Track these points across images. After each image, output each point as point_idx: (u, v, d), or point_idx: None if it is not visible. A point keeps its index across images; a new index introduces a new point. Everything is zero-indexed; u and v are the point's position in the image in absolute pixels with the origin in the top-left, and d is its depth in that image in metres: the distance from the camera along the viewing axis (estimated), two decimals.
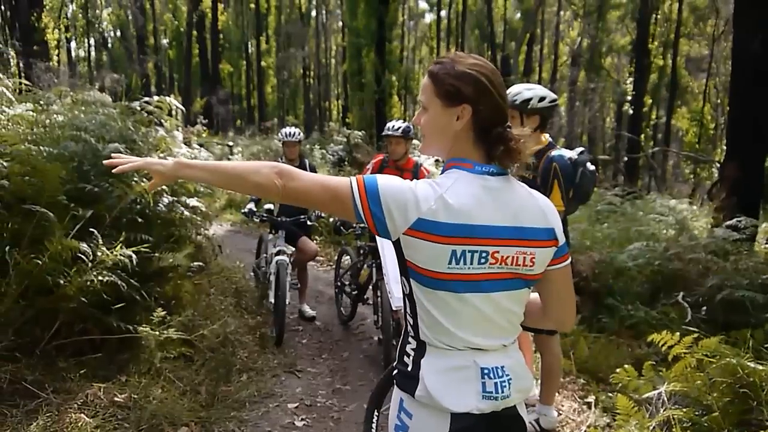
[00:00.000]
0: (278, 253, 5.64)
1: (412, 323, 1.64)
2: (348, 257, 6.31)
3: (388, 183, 1.53)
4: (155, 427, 3.58)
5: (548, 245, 1.60)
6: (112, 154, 1.67)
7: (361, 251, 5.68)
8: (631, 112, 21.65)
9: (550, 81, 32.75)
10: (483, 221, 1.50)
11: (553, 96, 3.60)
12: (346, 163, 17.06)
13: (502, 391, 1.57)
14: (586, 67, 30.93)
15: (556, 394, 4.15)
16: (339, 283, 6.26)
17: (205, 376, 4.38)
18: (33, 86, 6.51)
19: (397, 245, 1.55)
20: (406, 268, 1.57)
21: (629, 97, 21.79)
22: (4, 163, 4.19)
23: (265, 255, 6.32)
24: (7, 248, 3.77)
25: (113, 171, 1.67)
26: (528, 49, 34.22)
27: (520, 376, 1.64)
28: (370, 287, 5.49)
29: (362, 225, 5.34)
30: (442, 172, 1.64)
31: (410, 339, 1.66)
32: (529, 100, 3.49)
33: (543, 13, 32.52)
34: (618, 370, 3.78)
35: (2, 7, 37.87)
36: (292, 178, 1.54)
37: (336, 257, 7.03)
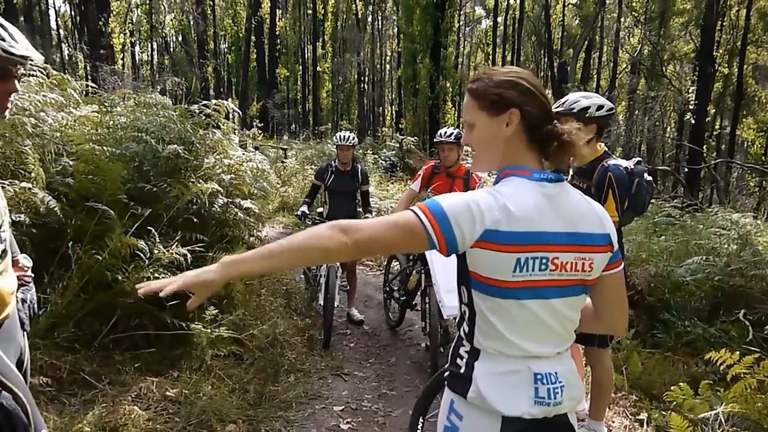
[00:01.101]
0: None
1: (467, 330, 1.65)
2: (397, 263, 6.32)
3: (451, 203, 1.49)
4: (204, 423, 3.65)
5: (605, 250, 1.61)
6: (142, 284, 1.57)
7: (411, 257, 5.67)
8: (693, 121, 20.97)
9: (608, 89, 32.05)
10: (543, 228, 1.51)
11: (611, 105, 3.54)
12: (398, 168, 17.11)
13: (555, 398, 1.57)
14: (646, 75, 30.24)
15: (607, 409, 4.04)
16: (388, 289, 6.27)
17: (254, 375, 4.45)
18: (98, 89, 6.78)
19: (461, 258, 1.56)
20: (468, 279, 1.58)
21: (691, 106, 21.11)
22: (70, 162, 4.39)
23: None
24: (70, 243, 3.94)
25: (159, 294, 1.54)
26: (586, 56, 33.62)
27: (573, 384, 1.63)
28: (419, 293, 5.48)
29: None
30: (496, 181, 1.64)
31: (464, 343, 1.67)
32: (587, 108, 3.43)
33: (602, 19, 31.85)
34: (673, 387, 3.67)
35: (72, 13, 39.49)
36: (357, 230, 1.46)
37: (385, 262, 7.04)
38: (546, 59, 33.62)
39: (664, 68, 27.35)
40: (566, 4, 37.64)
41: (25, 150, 4.05)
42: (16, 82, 1.87)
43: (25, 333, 2.17)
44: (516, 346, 1.55)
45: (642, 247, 7.12)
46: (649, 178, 3.58)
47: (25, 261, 2.29)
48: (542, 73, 38.85)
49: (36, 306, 2.29)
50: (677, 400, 3.61)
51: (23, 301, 2.18)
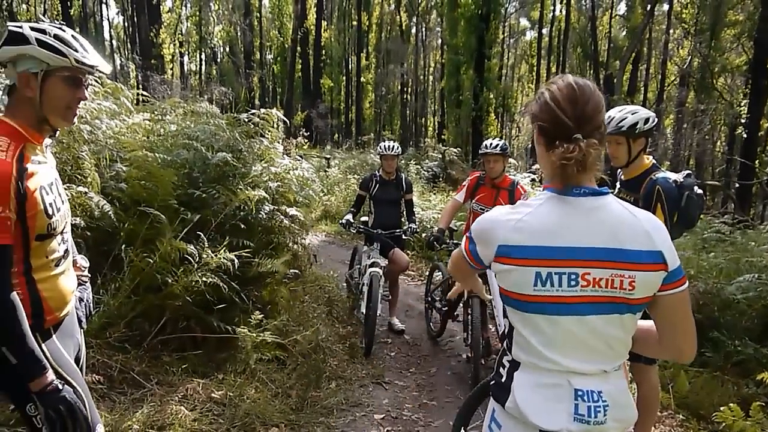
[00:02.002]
0: (372, 264, 5.72)
1: (508, 343, 1.67)
2: (440, 273, 6.31)
3: (477, 222, 1.67)
4: (248, 426, 3.71)
5: (653, 269, 1.50)
6: None
7: None
8: (744, 135, 20.37)
9: (655, 101, 31.44)
10: (569, 242, 1.48)
11: (654, 115, 3.49)
12: (440, 179, 17.07)
13: (596, 416, 1.52)
14: (695, 88, 29.52)
15: (653, 428, 3.96)
16: (429, 299, 6.27)
17: (296, 380, 4.50)
18: (149, 97, 6.97)
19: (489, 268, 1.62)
20: (501, 294, 1.63)
21: (743, 120, 20.51)
22: (124, 168, 4.53)
23: (358, 266, 6.42)
24: (122, 246, 4.06)
25: None
26: (633, 68, 33.02)
27: (620, 405, 1.57)
28: (461, 304, 5.46)
29: (455, 242, 5.36)
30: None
31: (507, 353, 1.68)
32: (636, 124, 3.39)
33: (651, 31, 31.29)
34: (722, 408, 3.57)
35: (125, 24, 40.73)
36: (450, 270, 2.03)
37: (428, 272, 7.03)
38: (592, 71, 33.14)
39: (714, 81, 26.65)
40: (613, 15, 37.14)
41: (82, 156, 4.21)
42: (85, 90, 1.97)
43: (81, 330, 2.26)
44: (552, 360, 1.53)
45: (690, 262, 6.94)
46: (700, 191, 3.51)
47: (83, 261, 2.39)
48: None
49: (92, 305, 2.39)
50: (727, 421, 3.51)
51: (80, 299, 2.27)
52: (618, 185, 3.69)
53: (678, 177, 3.47)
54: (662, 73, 33.21)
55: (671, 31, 31.40)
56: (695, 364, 5.22)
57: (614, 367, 1.59)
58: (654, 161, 3.56)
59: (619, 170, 3.66)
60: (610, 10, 37.39)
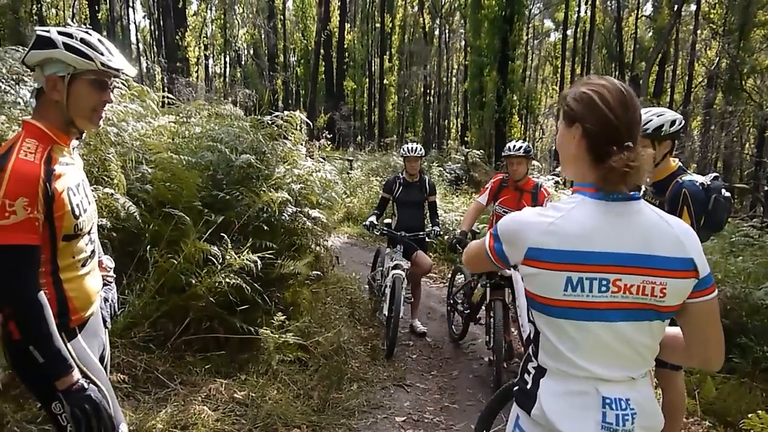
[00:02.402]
0: (395, 266, 5.71)
1: (533, 350, 1.64)
2: (462, 275, 6.28)
3: (504, 221, 1.62)
4: (269, 426, 3.73)
5: (684, 276, 1.48)
6: None
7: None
8: None
9: (682, 103, 31.03)
10: (601, 248, 1.46)
11: (681, 117, 3.43)
12: (463, 181, 17.02)
13: (624, 425, 1.49)
14: (723, 89, 29.05)
15: None
16: (451, 301, 6.24)
17: (318, 381, 4.51)
18: (175, 100, 7.06)
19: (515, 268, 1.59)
20: (527, 297, 1.59)
21: None
22: (149, 170, 4.58)
23: (381, 268, 6.42)
24: (147, 247, 4.11)
25: None
26: (659, 69, 32.65)
27: (648, 413, 1.55)
28: (483, 307, 5.43)
29: None
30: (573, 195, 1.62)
31: (532, 359, 1.66)
32: (661, 126, 3.33)
33: (678, 31, 30.90)
34: (750, 415, 3.49)
35: (151, 27, 41.31)
36: (466, 261, 1.91)
37: (450, 275, 7.01)
38: (617, 73, 32.83)
39: (743, 82, 26.21)
40: (639, 16, 36.75)
41: (109, 157, 4.27)
42: (111, 93, 2.00)
43: (106, 330, 2.29)
44: (580, 367, 1.51)
45: (718, 267, 6.82)
46: (727, 194, 3.44)
47: (108, 262, 2.42)
48: None
49: (117, 305, 2.42)
50: (755, 428, 3.43)
51: (105, 299, 2.30)
52: (643, 188, 3.64)
53: (705, 180, 3.41)
54: (689, 74, 32.75)
55: (699, 31, 30.93)
56: (722, 370, 5.13)
57: (641, 374, 1.57)
58: (680, 164, 3.50)
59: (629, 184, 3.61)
60: (635, 11, 37.02)
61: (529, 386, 1.62)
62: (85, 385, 1.85)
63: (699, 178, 3.40)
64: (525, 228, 1.52)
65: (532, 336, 1.65)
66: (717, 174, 3.53)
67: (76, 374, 1.85)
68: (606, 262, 1.45)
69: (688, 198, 3.27)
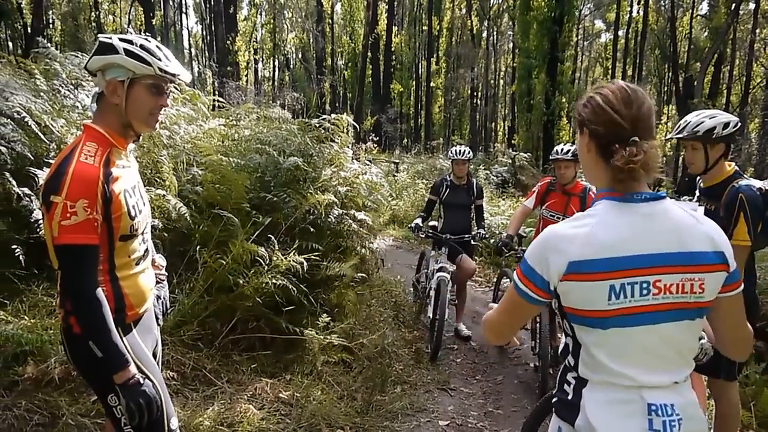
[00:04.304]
0: (440, 269, 5.69)
1: (572, 363, 1.61)
2: (507, 280, 6.22)
3: (530, 251, 1.56)
4: (313, 427, 3.76)
5: (719, 269, 1.49)
6: None
7: None
8: None
9: (739, 105, 30.05)
10: (639, 251, 1.44)
11: (736, 120, 3.31)
12: (509, 185, 16.86)
13: (671, 431, 1.46)
14: None
15: None
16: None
17: (362, 383, 4.53)
18: (225, 103, 7.20)
19: (557, 295, 1.53)
20: (564, 314, 1.55)
21: None
22: (199, 172, 4.69)
23: (425, 270, 6.41)
24: (197, 248, 4.21)
25: None
26: (715, 70, 31.68)
27: (693, 418, 1.51)
28: None
29: (524, 248, 5.28)
30: (592, 203, 1.60)
31: (571, 369, 1.63)
32: (713, 129, 3.23)
33: (735, 31, 29.95)
34: None
35: (203, 33, 42.25)
36: (492, 327, 1.78)
37: (495, 279, 6.95)
38: (670, 73, 32.03)
39: None
40: (694, 15, 35.75)
41: (161, 160, 4.39)
42: (167, 97, 2.07)
43: (158, 327, 2.35)
44: (624, 375, 1.48)
45: None
46: None
47: (161, 260, 2.50)
48: (666, 88, 36.94)
49: (168, 302, 2.50)
50: None
51: (158, 297, 2.38)
52: (697, 193, 3.54)
53: (763, 184, 3.29)
54: (747, 74, 31.69)
55: (758, 30, 29.93)
56: None
57: (684, 377, 1.55)
58: (737, 168, 3.39)
59: (698, 177, 3.51)
60: (690, 11, 36.02)
61: (570, 397, 1.59)
62: (141, 380, 1.92)
63: (756, 183, 3.28)
64: (561, 242, 1.48)
65: (571, 348, 1.61)
66: None
67: (133, 369, 1.92)
68: (645, 264, 1.44)
69: (744, 203, 3.17)
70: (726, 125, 3.25)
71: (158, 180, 4.36)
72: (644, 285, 1.44)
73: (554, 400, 1.68)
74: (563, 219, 5.08)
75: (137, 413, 1.90)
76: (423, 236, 6.24)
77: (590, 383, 1.55)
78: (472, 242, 6.17)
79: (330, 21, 44.02)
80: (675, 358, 1.53)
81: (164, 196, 4.13)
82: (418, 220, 6.09)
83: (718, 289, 1.51)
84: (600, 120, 1.52)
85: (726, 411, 3.46)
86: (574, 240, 1.46)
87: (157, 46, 2.01)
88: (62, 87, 4.61)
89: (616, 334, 1.47)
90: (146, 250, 2.18)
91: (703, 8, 37.03)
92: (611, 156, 1.49)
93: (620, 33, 39.35)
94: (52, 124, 3.98)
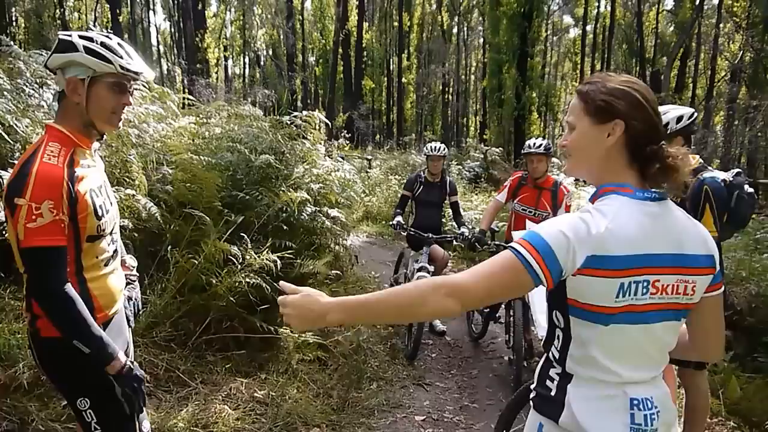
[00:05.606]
0: (420, 269, 5.61)
1: (557, 356, 1.58)
2: None
3: (553, 232, 1.42)
4: (289, 425, 3.75)
5: (707, 272, 1.50)
6: (281, 283, 1.66)
7: None
8: None
9: (705, 98, 30.58)
10: (647, 249, 1.42)
11: (690, 111, 3.33)
12: (482, 179, 16.96)
13: (651, 424, 1.48)
14: (747, 83, 28.59)
15: None
16: None
17: (338, 381, 4.53)
18: (195, 101, 7.11)
19: (559, 285, 1.46)
20: (565, 306, 1.50)
21: None
22: (170, 171, 4.63)
23: (405, 270, 6.40)
24: (168, 247, 4.15)
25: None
26: (681, 64, 32.21)
27: (667, 408, 1.54)
28: (503, 306, 5.40)
29: (497, 243, 5.30)
30: (592, 197, 1.57)
31: (554, 365, 1.60)
32: (666, 124, 3.26)
33: (700, 25, 30.43)
34: None
35: (172, 29, 41.72)
36: (464, 291, 1.42)
37: None
38: (638, 68, 32.43)
39: (767, 76, 25.78)
40: (660, 10, 36.28)
41: (130, 159, 4.32)
42: (130, 96, 2.03)
43: (130, 329, 2.32)
44: (612, 372, 1.48)
45: (742, 264, 6.72)
46: (751, 190, 3.38)
47: (131, 261, 2.47)
48: None
49: (140, 303, 2.46)
50: None
51: (129, 298, 2.34)
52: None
53: (727, 176, 3.34)
54: (712, 68, 32.21)
55: (721, 25, 30.45)
56: (747, 369, 5.07)
57: (661, 371, 1.58)
58: (701, 161, 3.44)
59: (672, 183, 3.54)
60: (656, 5, 36.52)
61: (553, 393, 1.57)
62: (131, 366, 1.96)
63: (721, 175, 3.33)
64: (586, 234, 1.40)
65: (559, 342, 1.58)
66: (740, 170, 3.46)
67: (122, 357, 1.93)
68: (648, 263, 1.43)
69: (710, 195, 3.21)
70: (679, 119, 3.27)
71: (127, 179, 4.29)
72: (645, 284, 1.43)
73: (533, 395, 1.66)
74: (535, 213, 5.16)
75: (135, 398, 1.95)
76: (405, 234, 6.17)
77: (575, 378, 1.54)
78: (454, 242, 6.12)
79: (300, 17, 43.72)
80: (658, 356, 1.54)
81: (134, 195, 4.06)
82: (399, 218, 5.96)
83: (704, 290, 1.52)
84: (642, 118, 1.49)
85: (696, 399, 3.51)
86: (597, 233, 1.40)
87: (118, 44, 1.97)
88: (26, 86, 4.51)
89: (615, 331, 1.46)
90: (115, 251, 2.14)
91: (669, 3, 37.65)
92: (640, 155, 1.49)
93: (588, 28, 39.79)
94: (16, 124, 3.88)
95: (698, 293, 1.50)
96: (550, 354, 1.62)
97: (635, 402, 1.48)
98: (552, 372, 1.60)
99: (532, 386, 1.69)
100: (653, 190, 1.51)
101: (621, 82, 1.52)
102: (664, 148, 1.49)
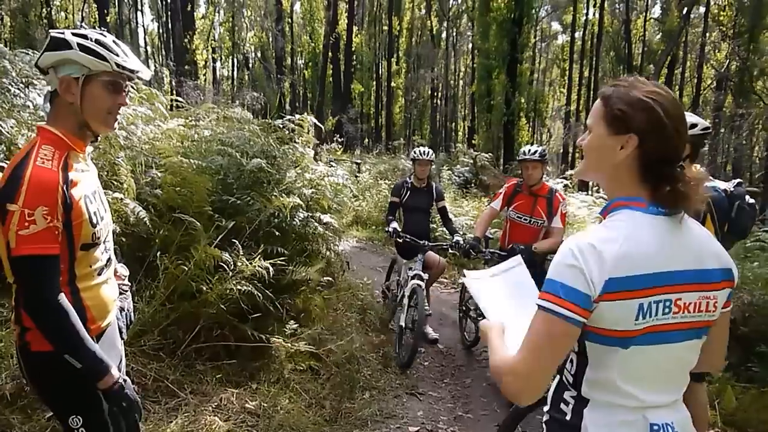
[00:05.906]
0: (414, 277, 5.52)
1: (571, 381, 1.52)
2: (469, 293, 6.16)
3: (565, 271, 1.37)
4: None
5: (726, 286, 1.45)
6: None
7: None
8: None
9: (691, 106, 30.82)
10: (664, 267, 1.35)
11: (705, 123, 3.29)
12: (472, 185, 16.93)
13: None
14: (733, 92, 28.88)
15: None
16: (464, 308, 6.15)
17: (330, 390, 4.43)
18: (183, 103, 7.01)
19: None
20: (594, 334, 1.41)
21: None
22: (159, 174, 4.52)
23: (397, 278, 6.31)
24: (158, 253, 4.04)
25: None
26: (668, 71, 32.45)
27: None
28: None
29: (491, 251, 5.24)
30: (603, 210, 1.50)
31: (569, 388, 1.54)
32: None
33: (687, 34, 30.73)
34: None
35: (160, 30, 41.49)
36: (527, 376, 1.40)
37: (461, 280, 6.91)
38: (625, 75, 32.62)
39: (753, 84, 26.04)
40: (648, 18, 36.59)
41: (118, 161, 4.21)
42: (126, 96, 1.94)
43: (122, 341, 2.22)
44: (632, 396, 1.41)
45: None
46: (752, 200, 3.35)
47: (123, 270, 2.36)
48: None
49: (132, 314, 2.35)
50: None
51: (121, 309, 2.23)
52: None
53: (728, 186, 3.31)
54: (698, 76, 32.55)
55: (708, 33, 30.78)
56: (741, 379, 5.04)
57: (681, 395, 1.51)
58: (703, 171, 3.39)
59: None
60: (644, 13, 36.88)
61: (568, 417, 1.51)
62: (124, 384, 1.85)
63: (722, 185, 3.29)
64: (598, 259, 1.33)
65: (574, 365, 1.51)
66: (741, 180, 3.43)
67: (116, 373, 1.84)
68: (669, 282, 1.36)
69: (710, 205, 3.17)
70: (692, 126, 3.23)
71: (115, 183, 4.18)
72: (667, 303, 1.36)
73: (546, 418, 1.60)
74: (530, 221, 5.10)
75: (121, 417, 1.86)
76: (401, 241, 5.97)
77: (592, 403, 1.47)
78: (450, 251, 6.05)
79: (290, 20, 43.59)
80: (680, 376, 1.48)
81: (122, 199, 3.95)
82: (395, 224, 5.90)
83: (722, 305, 1.46)
84: (659, 137, 1.39)
85: (695, 412, 3.42)
86: (612, 254, 1.33)
87: (114, 41, 1.88)
88: (12, 86, 4.39)
89: (636, 353, 1.39)
90: (109, 259, 2.04)
91: (656, 11, 37.98)
92: (652, 173, 1.42)
93: (577, 35, 39.99)
94: (1, 125, 3.77)
95: (719, 309, 1.44)
96: (564, 378, 1.56)
97: (655, 428, 1.41)
98: (567, 395, 1.54)
99: (545, 409, 1.62)
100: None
101: (645, 93, 1.41)
102: (678, 172, 1.41)
